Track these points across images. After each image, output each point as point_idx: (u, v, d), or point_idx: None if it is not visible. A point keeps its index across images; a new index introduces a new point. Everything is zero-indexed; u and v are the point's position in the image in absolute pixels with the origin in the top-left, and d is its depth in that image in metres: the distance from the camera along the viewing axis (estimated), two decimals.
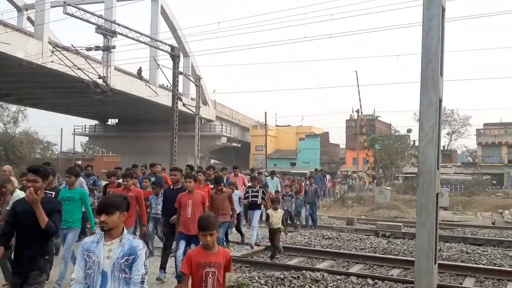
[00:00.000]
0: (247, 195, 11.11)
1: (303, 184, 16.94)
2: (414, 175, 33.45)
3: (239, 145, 54.01)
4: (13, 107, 53.58)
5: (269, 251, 9.58)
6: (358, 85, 34.96)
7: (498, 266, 8.63)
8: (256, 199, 10.95)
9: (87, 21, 20.11)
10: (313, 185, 14.90)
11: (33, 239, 3.99)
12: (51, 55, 21.28)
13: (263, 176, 16.39)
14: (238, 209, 10.59)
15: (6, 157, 45.40)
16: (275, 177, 15.02)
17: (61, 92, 35.22)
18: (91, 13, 20.44)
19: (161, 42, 25.66)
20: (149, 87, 27.23)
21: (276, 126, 59.60)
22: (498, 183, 39.01)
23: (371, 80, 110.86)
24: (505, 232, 13.70)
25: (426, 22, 4.34)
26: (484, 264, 8.83)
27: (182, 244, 6.61)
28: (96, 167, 17.51)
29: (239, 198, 10.94)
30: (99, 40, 21.17)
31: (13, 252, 4.41)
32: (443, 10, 4.39)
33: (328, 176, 27.79)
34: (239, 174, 13.59)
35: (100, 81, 20.99)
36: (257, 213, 10.92)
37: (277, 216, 8.97)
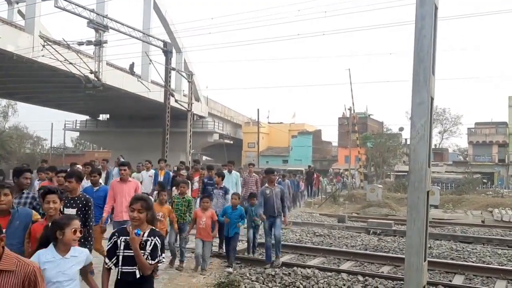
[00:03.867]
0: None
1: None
2: (406, 173, 33.66)
3: (232, 142, 53.92)
4: (3, 102, 52.99)
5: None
6: (351, 83, 35.13)
7: (487, 264, 8.72)
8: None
9: (79, 15, 19.92)
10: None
11: None
12: (42, 49, 21.05)
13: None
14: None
15: None
16: (234, 171, 11.71)
17: (52, 87, 34.87)
18: (82, 7, 20.25)
19: (153, 37, 25.51)
20: (141, 82, 27.03)
21: (269, 123, 59.62)
22: (489, 182, 39.40)
23: (364, 78, 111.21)
24: (494, 230, 13.83)
25: (419, 21, 4.34)
26: (473, 262, 8.91)
27: None
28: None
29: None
30: (91, 34, 21.00)
31: None
32: (436, 8, 4.40)
33: (314, 175, 25.90)
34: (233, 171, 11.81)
35: (91, 76, 20.82)
36: None
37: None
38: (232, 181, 11.40)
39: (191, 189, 11.28)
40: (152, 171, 12.03)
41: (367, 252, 9.68)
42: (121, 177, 6.85)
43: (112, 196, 6.69)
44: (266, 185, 8.06)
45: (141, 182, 10.81)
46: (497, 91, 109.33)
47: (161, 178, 11.99)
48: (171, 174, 12.82)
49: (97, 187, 6.76)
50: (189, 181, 10.97)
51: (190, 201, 7.84)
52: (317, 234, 11.93)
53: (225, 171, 11.22)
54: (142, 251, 3.38)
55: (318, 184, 26.92)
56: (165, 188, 8.55)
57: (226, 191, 9.13)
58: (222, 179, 9.37)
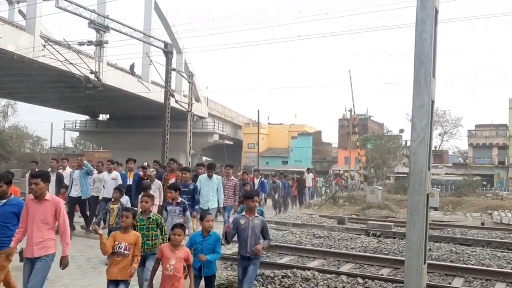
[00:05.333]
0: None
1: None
2: (406, 175, 33.66)
3: (231, 143, 53.97)
4: (3, 101, 53.05)
5: None
6: (351, 85, 35.28)
7: (486, 267, 8.70)
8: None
9: (80, 15, 19.94)
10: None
11: None
12: (42, 49, 21.09)
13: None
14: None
15: None
16: (215, 176, 9.83)
17: (52, 87, 34.94)
18: (83, 7, 20.26)
19: (154, 38, 25.52)
20: (142, 83, 27.07)
21: (269, 124, 59.67)
22: (489, 184, 39.41)
23: (365, 80, 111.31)
24: (494, 233, 13.82)
25: (419, 24, 4.35)
26: (473, 265, 8.90)
27: None
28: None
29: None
30: (92, 34, 21.02)
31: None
32: (436, 12, 4.40)
33: (311, 175, 24.19)
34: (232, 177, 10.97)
35: (92, 76, 20.83)
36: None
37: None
38: (213, 188, 9.47)
39: (163, 199, 9.23)
40: (115, 173, 10.25)
41: (367, 254, 9.67)
42: (34, 194, 4.83)
43: (24, 219, 4.89)
44: (243, 213, 5.86)
45: (103, 186, 10.02)
46: (498, 93, 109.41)
47: (130, 181, 10.48)
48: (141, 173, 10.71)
49: (4, 200, 5.16)
50: (160, 185, 9.38)
51: (158, 220, 5.67)
52: (316, 235, 11.92)
53: (204, 176, 9.54)
54: None
55: (315, 185, 26.21)
56: (123, 193, 7.56)
57: (185, 208, 7.03)
58: (178, 192, 7.06)
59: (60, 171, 11.00)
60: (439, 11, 4.53)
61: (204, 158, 59.43)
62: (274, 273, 7.42)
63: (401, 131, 47.75)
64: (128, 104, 39.50)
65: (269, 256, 9.43)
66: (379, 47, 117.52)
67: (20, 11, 36.01)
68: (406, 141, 45.13)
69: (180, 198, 7.06)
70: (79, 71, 20.70)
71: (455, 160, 56.30)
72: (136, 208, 6.32)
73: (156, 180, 9.40)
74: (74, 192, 10.39)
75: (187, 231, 6.02)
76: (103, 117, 53.42)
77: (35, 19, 26.24)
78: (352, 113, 37.42)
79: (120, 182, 9.87)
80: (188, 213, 7.11)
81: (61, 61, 20.91)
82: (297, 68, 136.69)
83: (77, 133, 57.79)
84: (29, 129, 61.26)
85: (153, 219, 5.63)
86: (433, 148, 4.67)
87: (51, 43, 21.67)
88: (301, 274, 7.38)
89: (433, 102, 4.35)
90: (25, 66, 27.18)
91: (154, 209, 7.71)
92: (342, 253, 9.68)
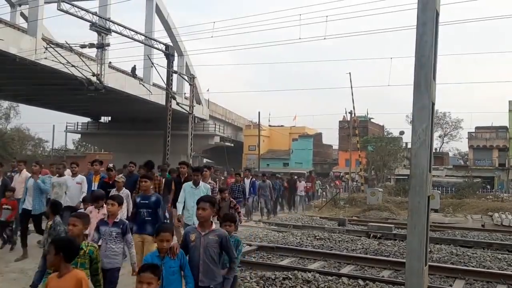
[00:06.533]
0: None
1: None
2: (406, 177, 33.68)
3: (232, 145, 54.00)
4: (5, 103, 53.18)
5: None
6: (351, 87, 35.22)
7: (487, 269, 8.71)
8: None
9: (82, 18, 20.02)
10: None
11: None
12: (44, 52, 21.22)
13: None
14: None
15: None
16: (202, 183, 7.77)
17: (54, 89, 34.99)
18: (85, 10, 20.35)
19: (155, 40, 25.59)
20: (143, 85, 27.15)
21: (270, 126, 59.68)
22: (489, 186, 39.38)
23: (365, 82, 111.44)
24: (495, 235, 13.83)
25: (420, 26, 4.38)
26: (473, 266, 8.91)
27: None
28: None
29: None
30: (94, 37, 21.10)
31: None
32: (437, 14, 4.43)
33: (303, 183, 21.82)
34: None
35: (93, 79, 20.92)
36: None
37: None
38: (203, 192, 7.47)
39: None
40: (80, 177, 8.68)
41: (368, 256, 9.68)
42: None
43: None
44: (195, 225, 4.47)
45: (65, 193, 8.46)
46: (497, 95, 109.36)
47: (95, 186, 8.70)
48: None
49: None
50: (128, 194, 7.67)
51: (93, 254, 4.20)
52: (317, 237, 11.93)
53: (189, 183, 7.65)
54: None
55: (313, 188, 24.97)
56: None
57: (125, 229, 5.12)
58: (120, 206, 5.31)
59: (15, 175, 9.61)
60: (440, 13, 4.56)
61: (205, 160, 59.47)
62: (275, 275, 7.44)
63: (401, 133, 47.78)
64: (129, 106, 39.55)
65: (270, 258, 9.45)
66: (379, 49, 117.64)
67: (22, 14, 36.11)
68: (406, 143, 45.16)
69: (119, 216, 5.26)
70: (81, 73, 20.79)
71: (455, 162, 56.25)
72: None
73: (124, 189, 7.67)
74: (28, 204, 8.41)
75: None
76: (104, 119, 53.47)
77: (37, 21, 26.32)
78: (353, 115, 37.45)
79: (85, 188, 8.44)
80: (129, 236, 5.18)
81: (63, 64, 20.99)
82: (298, 70, 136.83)
83: (79, 135, 57.84)
84: (31, 131, 61.44)
85: (85, 252, 4.09)
86: (433, 151, 4.67)
87: (53, 46, 21.77)
88: (302, 276, 7.39)
89: (433, 104, 4.38)
90: (27, 69, 27.24)
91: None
92: (343, 255, 9.68)
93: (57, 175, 8.89)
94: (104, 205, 5.65)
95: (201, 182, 7.72)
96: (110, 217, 5.14)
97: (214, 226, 4.26)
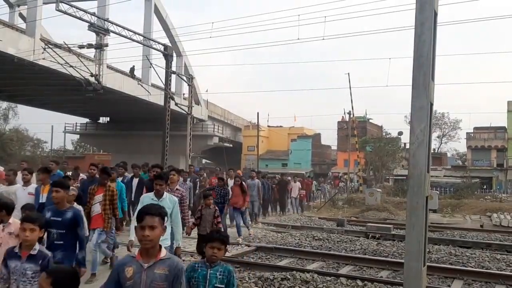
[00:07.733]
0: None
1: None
2: (405, 177, 33.69)
3: (231, 145, 54.00)
4: (4, 104, 53.14)
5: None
6: (350, 87, 35.24)
7: (486, 269, 8.72)
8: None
9: (80, 18, 19.96)
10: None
11: None
12: (43, 52, 21.16)
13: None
14: None
15: None
16: (167, 194, 5.91)
17: (53, 90, 34.97)
18: (84, 10, 20.29)
19: (154, 41, 25.54)
20: (142, 86, 27.15)
21: (268, 126, 59.69)
22: (488, 187, 39.41)
23: (363, 83, 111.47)
24: (493, 235, 13.85)
25: (418, 26, 4.37)
26: (472, 267, 8.91)
27: None
28: (86, 166, 17.28)
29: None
30: (92, 37, 21.05)
31: None
32: (435, 14, 4.43)
33: (298, 184, 19.88)
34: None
35: (92, 79, 20.87)
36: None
37: None
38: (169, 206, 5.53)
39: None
40: (33, 186, 7.15)
41: (366, 256, 9.68)
42: None
43: None
44: (135, 252, 2.85)
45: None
46: (496, 95, 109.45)
47: (43, 198, 6.86)
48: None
49: None
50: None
51: None
52: (316, 238, 11.93)
53: (149, 195, 5.85)
54: None
55: (307, 197, 22.78)
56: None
57: (46, 264, 3.48)
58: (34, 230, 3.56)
59: None
60: (438, 13, 4.56)
61: (204, 161, 59.47)
62: (274, 275, 7.43)
63: (400, 133, 47.76)
64: (128, 107, 39.53)
65: (269, 258, 9.44)
66: (378, 50, 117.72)
67: (20, 14, 36.09)
68: (405, 144, 45.17)
69: (36, 247, 3.53)
70: (80, 74, 20.74)
71: (454, 163, 56.32)
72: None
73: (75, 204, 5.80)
74: None
75: None
76: (103, 119, 53.42)
77: (35, 22, 26.30)
78: (351, 116, 37.46)
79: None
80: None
81: (61, 64, 20.95)
82: (297, 70, 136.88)
83: (78, 136, 57.78)
84: (30, 131, 61.40)
85: None
86: (432, 151, 4.67)
87: (51, 46, 21.73)
88: (300, 277, 7.39)
89: (431, 104, 4.37)
90: (25, 69, 27.21)
91: None
92: (341, 255, 9.68)
93: (6, 183, 7.39)
94: (12, 222, 3.95)
95: (166, 193, 5.83)
96: (23, 249, 3.45)
97: (163, 254, 2.80)
